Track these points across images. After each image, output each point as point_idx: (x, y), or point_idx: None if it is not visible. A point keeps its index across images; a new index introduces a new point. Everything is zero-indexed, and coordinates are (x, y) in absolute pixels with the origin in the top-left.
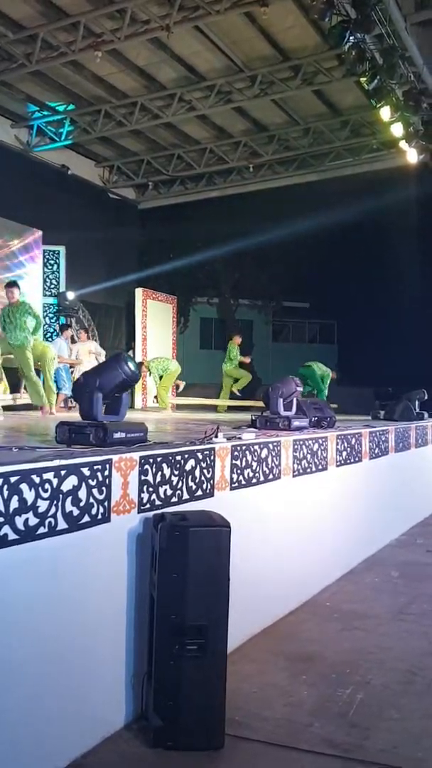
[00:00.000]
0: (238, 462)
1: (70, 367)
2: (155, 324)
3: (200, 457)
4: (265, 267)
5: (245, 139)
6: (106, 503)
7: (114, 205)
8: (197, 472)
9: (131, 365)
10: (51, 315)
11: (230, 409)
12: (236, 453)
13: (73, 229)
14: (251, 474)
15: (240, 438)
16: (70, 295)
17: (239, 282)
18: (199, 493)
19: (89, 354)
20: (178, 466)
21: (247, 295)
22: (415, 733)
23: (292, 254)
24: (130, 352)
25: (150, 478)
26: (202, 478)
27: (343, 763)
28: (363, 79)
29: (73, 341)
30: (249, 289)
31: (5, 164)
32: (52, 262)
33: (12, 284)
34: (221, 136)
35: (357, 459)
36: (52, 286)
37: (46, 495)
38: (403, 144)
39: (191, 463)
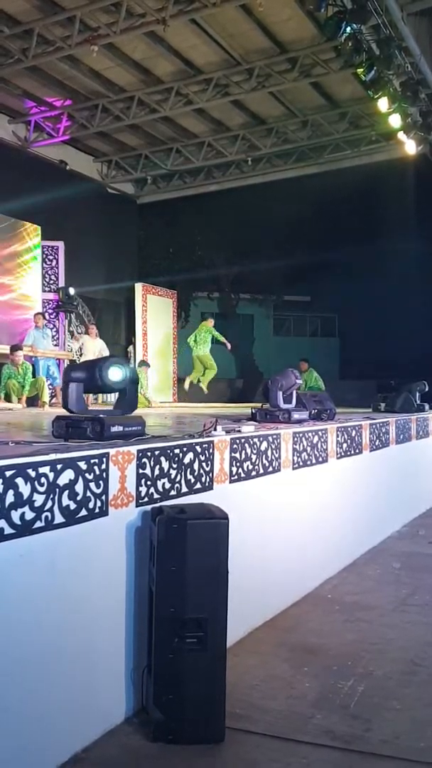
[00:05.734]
0: (238, 455)
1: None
2: (155, 319)
3: (199, 450)
4: (265, 261)
5: (243, 133)
6: (103, 497)
7: (113, 199)
8: (196, 466)
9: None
10: (50, 311)
11: (231, 402)
12: (235, 446)
13: (72, 225)
14: (251, 467)
15: (239, 431)
16: (72, 291)
17: (239, 276)
18: (198, 486)
19: (94, 355)
20: (176, 459)
21: (248, 289)
22: (417, 724)
23: (293, 247)
24: (130, 348)
25: (148, 471)
26: (201, 471)
27: (344, 754)
28: (360, 70)
29: (72, 335)
30: (249, 283)
31: (3, 160)
32: (51, 257)
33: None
34: (219, 129)
35: (357, 451)
36: (51, 281)
37: (42, 489)
38: (401, 135)
39: (190, 456)
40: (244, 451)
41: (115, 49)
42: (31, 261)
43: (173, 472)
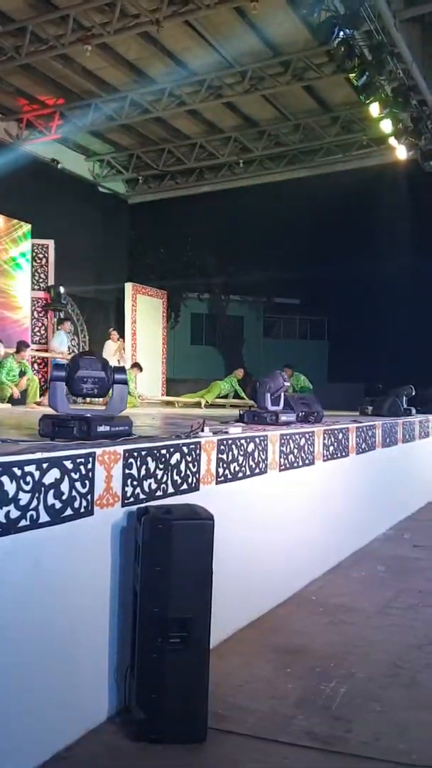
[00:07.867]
0: (224, 456)
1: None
2: (145, 319)
3: (185, 451)
4: (256, 263)
5: (235, 135)
6: (89, 496)
7: (104, 199)
8: (182, 466)
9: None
10: (39, 309)
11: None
12: (222, 447)
13: (63, 223)
14: (237, 468)
15: (226, 432)
16: (62, 290)
17: (230, 277)
18: (185, 487)
19: (113, 355)
20: (163, 459)
21: (238, 291)
22: (397, 725)
23: (283, 250)
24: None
25: (134, 471)
26: (188, 472)
27: (325, 755)
28: (352, 75)
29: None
30: (240, 285)
31: None
32: (41, 256)
33: None
34: (211, 131)
35: (344, 454)
36: (41, 280)
37: (27, 488)
38: (392, 140)
39: (176, 456)
40: (231, 453)
41: (109, 48)
42: (21, 259)
43: (159, 473)
